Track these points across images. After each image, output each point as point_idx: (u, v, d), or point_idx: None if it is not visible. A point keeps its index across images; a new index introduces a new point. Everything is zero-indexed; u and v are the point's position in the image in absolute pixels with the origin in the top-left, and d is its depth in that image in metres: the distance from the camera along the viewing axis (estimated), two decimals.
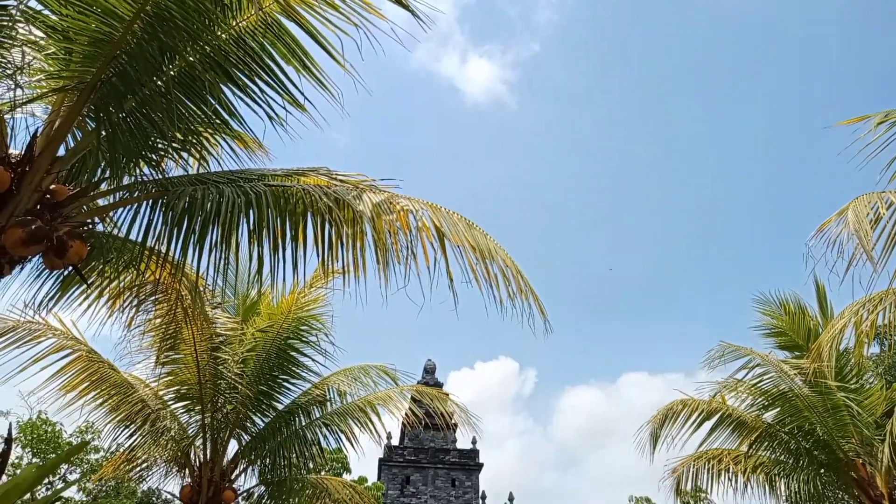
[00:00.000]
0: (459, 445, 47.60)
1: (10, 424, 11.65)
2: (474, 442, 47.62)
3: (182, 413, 9.49)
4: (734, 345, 10.12)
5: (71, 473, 21.46)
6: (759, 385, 9.88)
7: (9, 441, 3.80)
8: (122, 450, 9.89)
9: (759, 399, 9.92)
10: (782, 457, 10.37)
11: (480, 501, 44.60)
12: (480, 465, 46.17)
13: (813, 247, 5.80)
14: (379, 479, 43.95)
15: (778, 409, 9.85)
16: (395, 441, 47.59)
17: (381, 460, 45.57)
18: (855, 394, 9.49)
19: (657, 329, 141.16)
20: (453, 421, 10.42)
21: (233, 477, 9.61)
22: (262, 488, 10.39)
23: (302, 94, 4.98)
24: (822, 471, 9.89)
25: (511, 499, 44.27)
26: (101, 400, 9.11)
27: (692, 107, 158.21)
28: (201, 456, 9.45)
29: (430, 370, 48.88)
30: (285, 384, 9.54)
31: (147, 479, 10.19)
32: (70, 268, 4.88)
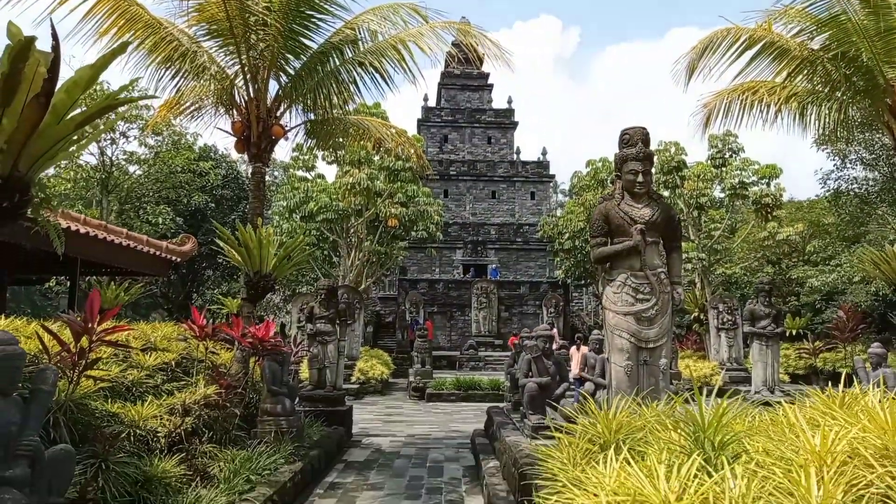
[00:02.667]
0: (495, 105, 48.39)
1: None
2: (510, 102, 48.20)
3: (218, 52, 9.63)
4: None
5: (129, 130, 23.06)
6: (809, 9, 9.31)
7: (56, 46, 3.95)
8: (168, 94, 10.37)
9: (808, 24, 9.44)
10: (818, 86, 10.30)
11: (515, 156, 47.20)
12: (515, 124, 47.59)
13: None
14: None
15: (826, 34, 9.42)
16: (432, 103, 48.48)
17: (419, 121, 47.20)
18: None
19: None
20: (483, 68, 10.33)
21: (278, 114, 10.17)
22: (307, 126, 11.08)
23: None
24: (858, 97, 9.88)
25: (544, 153, 46.59)
26: (136, 42, 9.23)
27: None
28: (245, 96, 9.88)
29: None
30: (314, 20, 9.37)
31: (197, 120, 10.82)
32: None
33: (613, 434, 4.22)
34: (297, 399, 11.61)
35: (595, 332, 10.73)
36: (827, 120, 10.36)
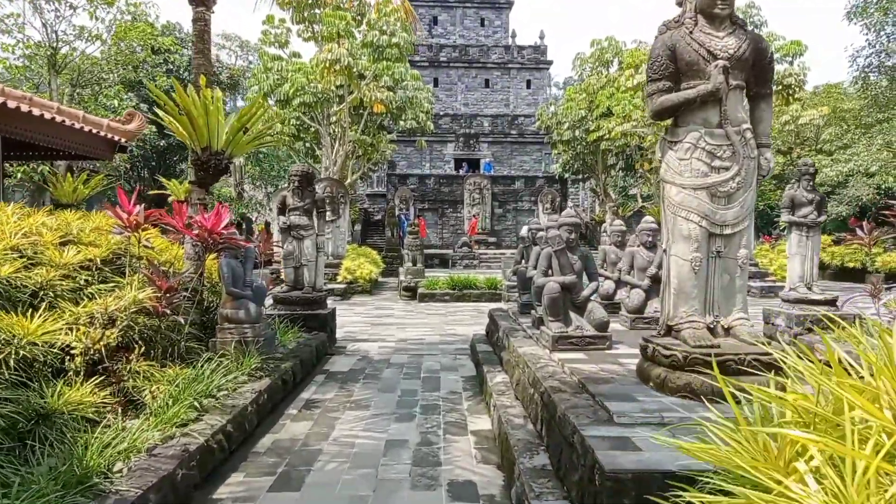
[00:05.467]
0: None
1: None
2: None
3: None
4: None
5: (77, 2, 20.12)
6: None
7: None
8: None
9: None
10: None
11: (511, 40, 43.81)
12: (511, 3, 43.82)
13: None
14: None
15: None
16: None
17: None
18: None
19: None
20: None
21: None
22: None
23: None
24: None
25: (541, 36, 43.24)
26: None
27: None
28: None
29: None
30: None
31: None
32: None
33: None
34: (273, 302, 10.17)
35: (616, 222, 9.14)
36: None
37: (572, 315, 5.96)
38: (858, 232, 20.86)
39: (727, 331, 4.42)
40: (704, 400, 3.48)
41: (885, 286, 8.28)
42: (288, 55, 22.34)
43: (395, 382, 7.85)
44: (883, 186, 28.25)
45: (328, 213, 19.66)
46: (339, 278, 18.40)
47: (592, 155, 31.89)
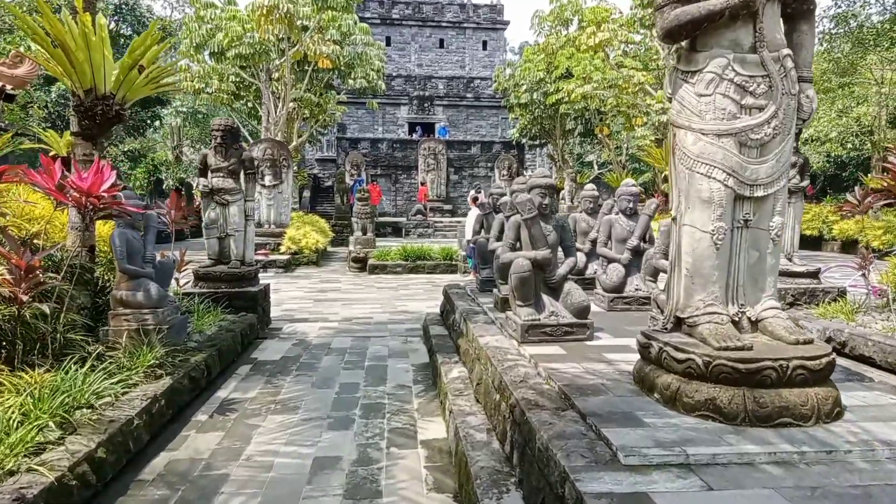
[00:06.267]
0: None
1: None
2: None
3: None
4: None
5: None
6: None
7: None
8: None
9: None
10: None
11: None
12: None
13: None
14: None
15: None
16: None
17: None
18: None
19: None
20: None
21: None
22: None
23: None
24: None
25: None
26: None
27: None
28: None
29: None
30: None
31: None
32: None
33: None
34: (194, 279, 8.78)
35: (588, 185, 8.06)
36: None
37: (545, 299, 4.85)
38: (849, 197, 20.52)
39: (754, 324, 3.38)
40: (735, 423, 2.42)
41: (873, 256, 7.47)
42: (223, 2, 20.31)
43: (335, 374, 6.67)
44: (832, 155, 28.12)
45: (268, 178, 18.10)
46: (283, 249, 16.96)
47: (551, 119, 30.83)
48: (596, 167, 36.35)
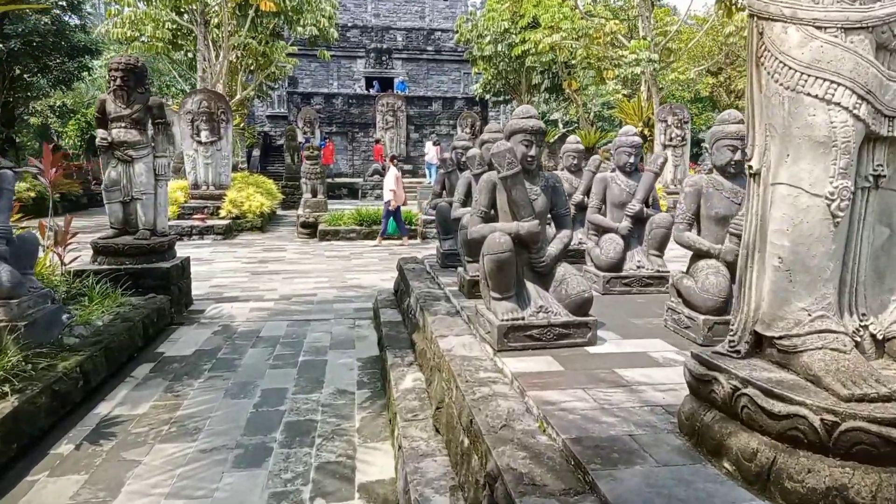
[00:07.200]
0: None
1: None
2: None
3: None
4: None
5: None
6: None
7: None
8: None
9: None
10: None
11: None
12: None
13: None
14: None
15: None
16: None
17: None
18: None
19: None
20: None
21: None
22: None
23: None
24: None
25: None
26: None
27: None
28: None
29: None
30: None
31: None
32: None
33: None
34: (93, 255, 7.16)
35: (571, 137, 6.70)
36: None
37: (531, 288, 3.51)
38: None
39: (880, 343, 2.10)
40: None
41: None
42: None
43: (258, 375, 5.27)
44: None
45: (204, 133, 16.20)
46: (222, 213, 15.24)
47: (516, 73, 29.19)
48: (561, 125, 35.02)
